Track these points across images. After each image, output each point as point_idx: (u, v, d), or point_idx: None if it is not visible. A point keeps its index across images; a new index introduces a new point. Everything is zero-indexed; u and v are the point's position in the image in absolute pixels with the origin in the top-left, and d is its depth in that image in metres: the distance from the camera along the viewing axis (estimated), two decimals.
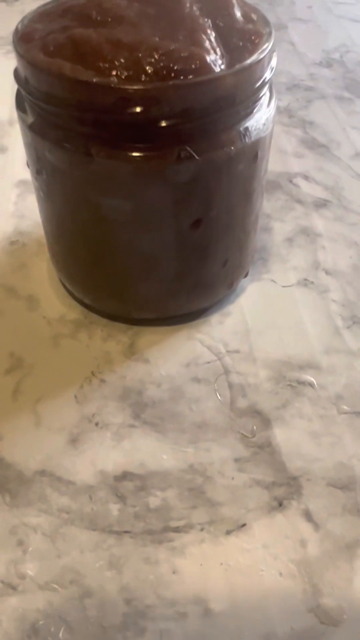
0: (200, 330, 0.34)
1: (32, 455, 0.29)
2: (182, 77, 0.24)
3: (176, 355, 0.33)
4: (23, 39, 0.26)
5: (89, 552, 0.26)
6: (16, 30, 0.27)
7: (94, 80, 0.24)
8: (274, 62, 0.29)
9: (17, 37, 0.27)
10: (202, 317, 0.35)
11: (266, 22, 0.29)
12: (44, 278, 0.37)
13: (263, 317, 0.35)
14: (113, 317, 0.35)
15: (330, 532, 0.26)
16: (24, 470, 0.28)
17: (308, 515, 0.27)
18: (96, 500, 0.27)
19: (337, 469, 0.28)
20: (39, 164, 0.29)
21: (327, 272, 0.38)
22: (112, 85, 0.24)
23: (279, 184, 0.45)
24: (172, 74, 0.24)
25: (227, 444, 0.29)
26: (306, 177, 0.45)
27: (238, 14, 0.28)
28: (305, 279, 0.37)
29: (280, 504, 0.27)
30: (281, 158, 0.47)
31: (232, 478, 0.28)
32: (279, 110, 0.52)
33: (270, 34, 0.28)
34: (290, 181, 0.45)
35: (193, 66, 0.24)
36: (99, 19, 0.27)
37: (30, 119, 0.27)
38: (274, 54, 0.28)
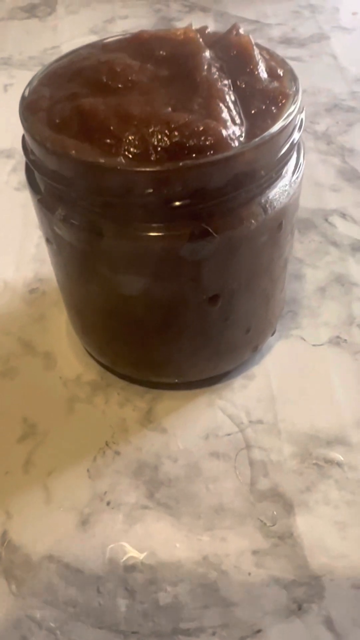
0: (222, 395, 0.32)
1: (40, 537, 0.28)
2: (195, 155, 0.22)
3: (195, 425, 0.31)
4: (29, 109, 0.25)
5: None
6: (23, 97, 0.26)
7: (100, 161, 0.22)
8: (302, 119, 0.26)
9: (23, 106, 0.25)
10: (224, 380, 0.33)
11: (294, 78, 0.26)
12: (62, 332, 0.36)
13: (290, 381, 0.33)
14: (131, 379, 0.33)
15: None
16: (31, 554, 0.27)
17: (329, 623, 0.25)
18: (104, 593, 0.26)
19: None
20: (48, 234, 0.27)
21: None
22: (119, 167, 0.22)
23: (312, 223, 0.42)
24: (185, 152, 0.22)
25: (245, 532, 0.27)
26: (343, 215, 0.42)
27: (262, 70, 0.26)
28: (338, 337, 0.35)
29: (300, 608, 0.25)
30: (316, 192, 0.44)
31: (249, 574, 0.26)
32: (316, 136, 0.49)
33: (297, 92, 0.25)
34: (326, 219, 0.42)
35: (208, 142, 0.22)
36: (109, 84, 0.25)
37: (38, 191, 0.26)
38: (303, 113, 0.26)
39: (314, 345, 0.35)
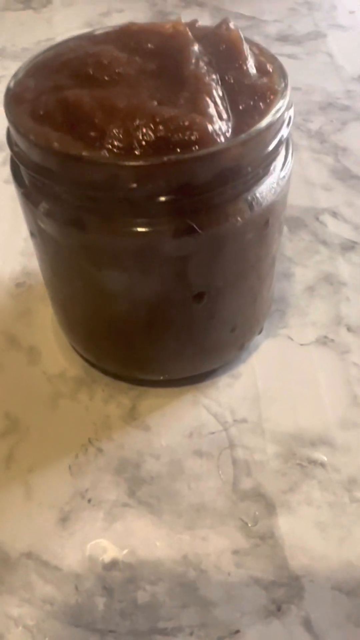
0: (207, 394, 0.32)
1: (19, 534, 0.27)
2: (180, 150, 0.22)
3: (179, 423, 0.31)
4: (14, 100, 0.24)
5: None
6: (8, 88, 0.25)
7: (83, 154, 0.22)
8: (290, 116, 0.26)
9: (8, 98, 0.25)
10: (209, 378, 0.33)
11: (283, 74, 0.26)
12: (47, 327, 0.36)
13: (276, 380, 0.33)
14: (116, 375, 0.33)
15: None
16: (9, 551, 0.27)
17: (308, 625, 0.25)
18: (82, 591, 0.26)
19: (344, 569, 0.26)
20: (32, 228, 0.27)
21: (349, 329, 0.35)
22: (102, 161, 0.22)
23: (303, 222, 0.41)
24: (170, 146, 0.22)
25: (226, 532, 0.27)
26: (334, 214, 0.42)
27: (251, 65, 0.25)
28: (325, 337, 0.35)
29: (279, 609, 0.25)
30: (308, 191, 0.44)
31: (229, 574, 0.26)
32: (309, 134, 0.48)
33: (286, 88, 0.25)
34: (317, 219, 0.42)
35: (193, 137, 0.22)
36: (96, 76, 0.24)
37: (23, 184, 0.26)
38: (291, 109, 0.26)
39: (301, 344, 0.34)
